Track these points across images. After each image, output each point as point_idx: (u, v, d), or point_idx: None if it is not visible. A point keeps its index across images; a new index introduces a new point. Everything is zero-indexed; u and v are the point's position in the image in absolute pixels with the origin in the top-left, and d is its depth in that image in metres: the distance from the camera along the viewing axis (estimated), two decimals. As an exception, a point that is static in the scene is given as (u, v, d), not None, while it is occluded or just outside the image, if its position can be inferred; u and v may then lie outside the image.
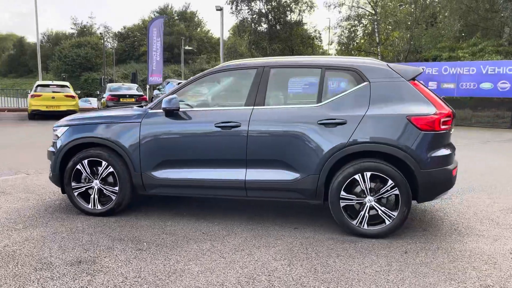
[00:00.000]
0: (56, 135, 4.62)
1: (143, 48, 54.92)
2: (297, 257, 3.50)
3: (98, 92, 23.70)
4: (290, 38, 28.80)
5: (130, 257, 3.44)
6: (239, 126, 4.11)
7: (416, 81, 4.07)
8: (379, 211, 3.91)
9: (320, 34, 34.82)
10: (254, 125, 4.09)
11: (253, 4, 28.65)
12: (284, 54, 27.66)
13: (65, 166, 4.49)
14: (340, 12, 40.03)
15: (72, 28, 76.37)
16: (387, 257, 3.52)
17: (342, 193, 3.92)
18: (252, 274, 3.17)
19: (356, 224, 3.94)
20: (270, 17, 28.91)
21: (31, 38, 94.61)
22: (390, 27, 27.26)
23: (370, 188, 3.90)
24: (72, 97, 16.49)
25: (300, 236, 3.98)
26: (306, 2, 29.08)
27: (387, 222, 3.90)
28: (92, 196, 4.45)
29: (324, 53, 34.80)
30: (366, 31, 28.13)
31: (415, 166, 3.82)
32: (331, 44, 31.40)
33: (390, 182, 3.84)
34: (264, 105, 4.17)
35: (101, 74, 47.81)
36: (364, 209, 3.92)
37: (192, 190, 4.33)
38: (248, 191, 4.18)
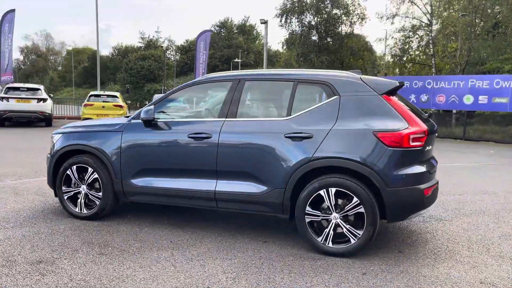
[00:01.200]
0: (53, 141, 4.95)
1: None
2: (247, 271, 3.46)
3: (146, 102, 24.78)
4: (340, 50, 28.43)
5: (88, 260, 3.60)
6: (210, 137, 4.16)
7: (391, 96, 3.91)
8: (344, 229, 3.77)
9: (371, 46, 33.96)
10: (224, 136, 4.13)
11: (303, 16, 28.69)
12: (333, 66, 27.32)
13: (57, 171, 4.79)
14: (392, 23, 38.83)
15: (139, 42, 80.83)
16: (341, 277, 3.38)
17: (308, 208, 3.83)
18: (191, 284, 3.19)
19: (321, 241, 3.82)
20: (320, 29, 28.74)
21: (104, 51, 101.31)
22: (447, 38, 26.01)
23: (335, 205, 3.78)
24: (120, 106, 17.44)
25: (264, 251, 3.93)
26: (358, 14, 28.63)
27: (352, 241, 3.75)
28: (79, 200, 4.70)
29: (376, 64, 33.96)
30: (420, 43, 27.06)
31: (380, 184, 3.65)
32: (383, 56, 30.47)
33: (355, 199, 3.70)
34: (236, 117, 4.20)
35: (162, 85, 50.10)
36: (329, 226, 3.80)
37: (168, 199, 4.43)
38: (218, 202, 4.21)
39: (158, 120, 4.42)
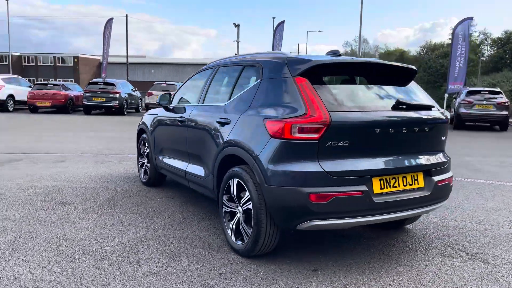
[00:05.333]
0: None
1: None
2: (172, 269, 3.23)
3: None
4: None
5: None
6: (184, 122, 4.52)
7: (307, 77, 3.20)
8: (240, 225, 3.45)
9: None
10: (190, 121, 4.41)
11: None
12: None
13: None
14: None
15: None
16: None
17: (224, 197, 3.70)
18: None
19: (230, 234, 3.62)
20: None
21: (413, 51, 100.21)
22: None
23: (237, 197, 3.50)
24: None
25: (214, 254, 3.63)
26: None
27: (245, 240, 3.39)
28: (142, 168, 5.90)
29: None
30: None
31: (260, 178, 3.16)
32: None
33: (246, 193, 3.34)
34: (203, 103, 4.38)
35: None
36: (234, 220, 3.56)
37: (172, 175, 5.02)
38: (189, 182, 4.52)
39: (169, 106, 5.06)
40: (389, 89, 3.52)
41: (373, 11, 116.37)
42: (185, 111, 4.60)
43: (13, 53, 57.52)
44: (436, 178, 3.45)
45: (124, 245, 3.67)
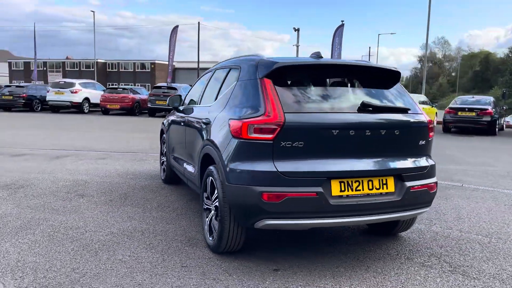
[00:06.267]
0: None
1: None
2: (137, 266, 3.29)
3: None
4: None
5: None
6: (184, 122, 4.74)
7: (269, 79, 3.24)
8: (211, 222, 3.56)
9: None
10: (187, 122, 4.63)
11: None
12: None
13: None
14: None
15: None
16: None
17: (204, 195, 3.84)
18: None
19: (205, 230, 3.75)
20: None
21: (501, 53, 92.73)
22: None
23: (211, 194, 3.62)
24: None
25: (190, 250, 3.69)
26: None
27: (215, 237, 3.50)
28: (162, 167, 6.23)
29: None
30: None
31: (222, 177, 3.26)
32: None
33: (216, 191, 3.45)
34: (200, 104, 4.55)
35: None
36: (208, 217, 3.68)
37: (178, 173, 5.24)
38: (187, 180, 4.71)
39: (179, 107, 5.31)
40: (362, 91, 3.44)
41: (459, 11, 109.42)
42: (188, 113, 4.82)
43: (99, 60, 62.50)
44: (410, 184, 3.29)
45: (112, 235, 3.95)
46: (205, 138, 3.80)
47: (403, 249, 3.79)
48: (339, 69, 3.71)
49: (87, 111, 23.32)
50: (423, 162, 3.44)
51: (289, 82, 3.40)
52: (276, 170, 3.00)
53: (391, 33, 62.58)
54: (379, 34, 76.51)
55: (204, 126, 3.94)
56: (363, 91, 3.46)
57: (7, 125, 15.23)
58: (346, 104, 3.30)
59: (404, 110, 3.41)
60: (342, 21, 21.65)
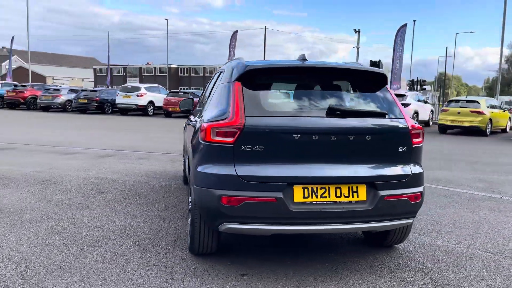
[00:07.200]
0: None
1: None
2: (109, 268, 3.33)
3: None
4: None
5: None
6: (188, 125, 4.84)
7: (240, 82, 3.22)
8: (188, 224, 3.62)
9: None
10: (188, 125, 4.71)
11: None
12: None
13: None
14: None
15: None
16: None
17: (190, 197, 3.90)
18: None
19: (188, 231, 3.81)
20: None
21: None
22: None
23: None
24: (479, 113, 15.78)
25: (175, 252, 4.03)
26: None
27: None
28: (183, 168, 6.40)
29: None
30: None
31: (191, 179, 3.30)
32: None
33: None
34: (202, 107, 4.63)
35: None
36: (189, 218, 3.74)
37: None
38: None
39: (191, 110, 5.43)
40: (335, 95, 3.30)
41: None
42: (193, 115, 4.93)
43: (171, 65, 65.62)
44: (384, 193, 3.08)
45: (107, 231, 4.14)
46: (190, 140, 3.87)
47: (390, 262, 3.56)
48: (315, 72, 3.55)
49: (151, 113, 24.54)
50: (403, 170, 3.21)
51: (259, 86, 3.35)
52: (235, 174, 2.98)
53: (471, 32, 58.43)
54: (456, 33, 71.93)
55: (193, 129, 4.01)
56: (336, 95, 3.31)
57: (73, 125, 16.53)
58: (315, 108, 3.19)
59: (379, 115, 3.21)
60: (414, 20, 20.67)
